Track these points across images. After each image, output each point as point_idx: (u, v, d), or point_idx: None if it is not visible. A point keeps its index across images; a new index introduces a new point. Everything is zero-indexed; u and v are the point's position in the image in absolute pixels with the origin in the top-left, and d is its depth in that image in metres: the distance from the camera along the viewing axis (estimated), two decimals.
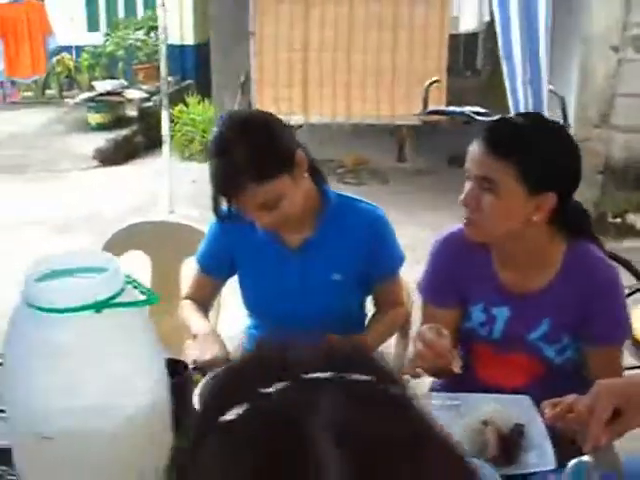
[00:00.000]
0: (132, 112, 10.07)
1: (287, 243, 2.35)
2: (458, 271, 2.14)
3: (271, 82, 7.51)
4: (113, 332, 1.44)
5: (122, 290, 1.45)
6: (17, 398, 1.46)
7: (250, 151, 2.07)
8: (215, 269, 2.49)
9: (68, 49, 11.08)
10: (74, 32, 11.10)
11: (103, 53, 10.98)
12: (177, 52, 11.10)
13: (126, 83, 10.23)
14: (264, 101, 7.55)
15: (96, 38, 11.24)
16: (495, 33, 7.38)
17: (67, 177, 8.28)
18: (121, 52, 10.86)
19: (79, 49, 11.25)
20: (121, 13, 11.62)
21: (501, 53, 3.73)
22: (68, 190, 7.77)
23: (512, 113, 3.73)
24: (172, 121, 9.35)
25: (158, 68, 10.87)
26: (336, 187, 7.98)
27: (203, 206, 6.75)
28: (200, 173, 8.14)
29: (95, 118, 9.75)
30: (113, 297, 1.42)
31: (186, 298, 2.54)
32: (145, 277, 3.18)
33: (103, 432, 1.43)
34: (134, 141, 9.50)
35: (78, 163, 8.67)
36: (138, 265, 3.38)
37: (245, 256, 2.43)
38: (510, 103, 3.78)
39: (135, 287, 1.51)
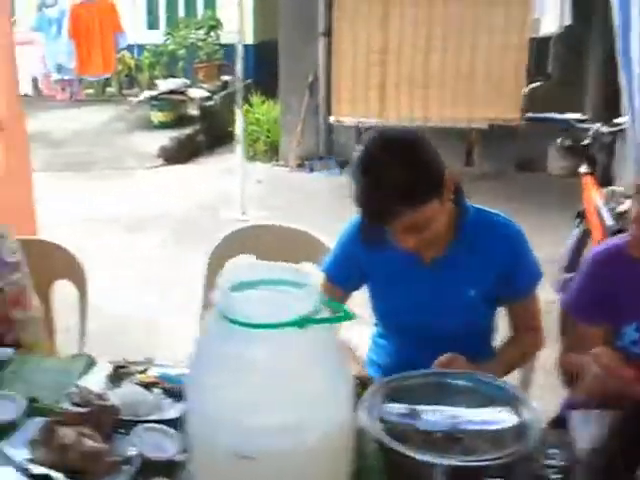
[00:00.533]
0: (193, 111, 10.09)
1: (422, 257, 2.29)
2: (612, 289, 2.07)
3: (348, 84, 7.47)
4: (312, 349, 1.40)
5: (320, 306, 1.41)
6: (209, 415, 1.42)
7: (404, 176, 1.99)
8: (344, 279, 2.43)
9: (129, 47, 11.14)
10: (135, 31, 11.15)
11: (164, 52, 11.03)
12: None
13: (188, 82, 10.26)
14: (340, 103, 7.53)
15: (155, 37, 11.29)
16: (568, 37, 7.34)
17: (133, 175, 8.31)
18: (182, 51, 10.90)
19: (140, 47, 11.31)
20: (181, 12, 11.65)
21: (619, 59, 3.64)
22: (135, 188, 7.80)
23: (629, 121, 3.65)
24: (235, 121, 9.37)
25: (218, 67, 10.98)
26: None
27: (271, 207, 6.85)
28: (265, 173, 8.15)
29: (158, 116, 9.78)
30: (313, 313, 1.38)
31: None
32: None
33: (299, 451, 1.39)
34: (197, 140, 9.52)
35: (143, 161, 8.70)
36: None
37: (377, 267, 2.36)
38: (627, 112, 3.68)
39: (324, 302, 1.46)
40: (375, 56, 7.27)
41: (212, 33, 11.09)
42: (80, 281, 2.83)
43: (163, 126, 9.69)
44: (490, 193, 7.33)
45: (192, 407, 1.49)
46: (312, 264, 2.97)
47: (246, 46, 10.97)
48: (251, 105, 9.41)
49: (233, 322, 1.37)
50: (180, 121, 9.84)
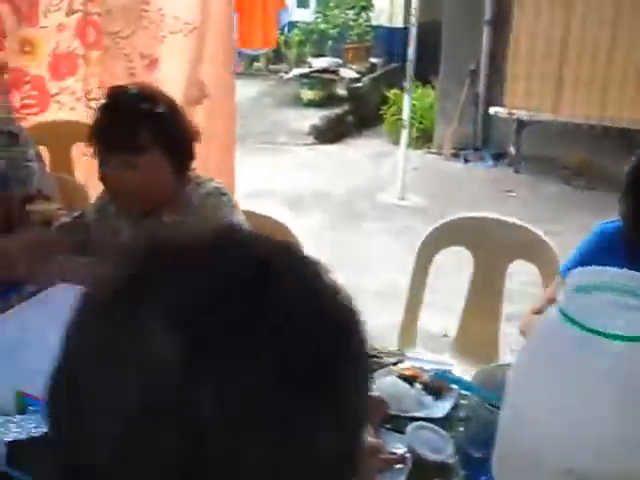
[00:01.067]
0: (341, 91, 10.02)
1: None
2: None
3: (523, 76, 7.25)
4: None
5: None
6: (536, 424, 1.31)
7: None
8: None
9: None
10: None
11: (315, 30, 10.98)
12: (385, 34, 10.99)
13: (341, 61, 10.18)
14: (514, 94, 7.32)
15: (304, 15, 11.25)
16: None
17: (286, 151, 8.30)
18: (333, 30, 10.82)
19: (290, 24, 11.28)
20: None
21: None
22: (289, 164, 7.79)
23: None
24: (385, 103, 9.29)
25: (367, 49, 10.87)
26: (562, 189, 7.53)
27: (428, 195, 6.72)
28: (418, 160, 8.00)
29: (308, 94, 9.75)
30: None
31: (537, 312, 2.35)
32: (463, 276, 3.05)
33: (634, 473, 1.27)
34: (346, 120, 9.44)
35: (295, 138, 8.68)
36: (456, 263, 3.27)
37: None
38: None
39: None
40: (555, 48, 7.00)
41: (363, 14, 10.99)
42: None
43: (312, 104, 9.64)
44: None
45: (514, 413, 1.38)
46: (530, 263, 2.85)
47: (395, 29, 10.93)
48: (402, 90, 9.27)
49: (585, 329, 1.25)
50: (329, 100, 9.78)
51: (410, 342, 2.95)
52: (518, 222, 2.93)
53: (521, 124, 7.49)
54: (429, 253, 2.99)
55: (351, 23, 10.86)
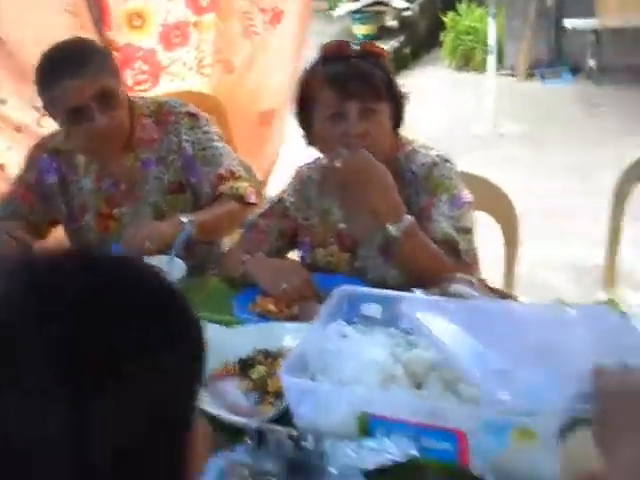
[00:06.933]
0: (391, 22, 9.72)
1: None
2: None
3: None
4: None
5: None
6: None
7: None
8: None
9: None
10: None
11: None
12: None
13: None
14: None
15: None
16: None
17: None
18: None
19: None
20: None
21: None
22: None
23: None
24: (439, 28, 9.01)
25: None
26: None
27: (520, 120, 6.44)
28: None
29: (360, 29, 9.49)
30: None
31: None
32: None
33: None
34: (403, 52, 9.14)
35: None
36: None
37: None
38: None
39: None
40: None
41: None
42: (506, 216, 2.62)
43: (366, 39, 9.34)
44: None
45: None
46: None
47: None
48: (459, 13, 8.96)
49: None
50: (380, 33, 9.48)
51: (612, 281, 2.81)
52: None
53: (597, 36, 7.18)
54: (625, 187, 2.82)
55: None
